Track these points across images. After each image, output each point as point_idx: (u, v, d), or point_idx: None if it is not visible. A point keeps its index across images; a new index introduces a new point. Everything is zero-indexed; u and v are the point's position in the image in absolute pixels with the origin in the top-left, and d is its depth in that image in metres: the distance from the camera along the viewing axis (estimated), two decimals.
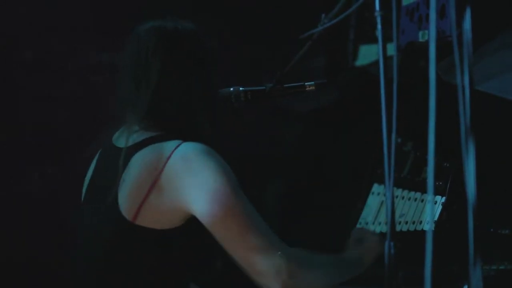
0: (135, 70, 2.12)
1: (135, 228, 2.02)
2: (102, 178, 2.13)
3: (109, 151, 2.16)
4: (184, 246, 2.06)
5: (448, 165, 2.22)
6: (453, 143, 1.68)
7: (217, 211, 1.97)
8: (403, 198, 2.32)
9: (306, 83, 2.34)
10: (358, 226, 2.46)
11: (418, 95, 1.76)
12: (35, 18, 3.83)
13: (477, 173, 1.50)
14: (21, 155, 3.85)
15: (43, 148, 3.87)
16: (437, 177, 2.23)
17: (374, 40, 3.71)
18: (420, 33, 2.71)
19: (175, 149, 2.03)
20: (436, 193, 2.24)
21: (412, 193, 2.32)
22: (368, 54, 3.84)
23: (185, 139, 2.06)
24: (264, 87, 2.34)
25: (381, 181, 2.49)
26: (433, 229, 2.14)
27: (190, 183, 1.99)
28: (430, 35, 1.56)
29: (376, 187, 2.51)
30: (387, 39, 1.69)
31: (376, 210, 2.49)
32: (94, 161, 2.26)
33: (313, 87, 2.33)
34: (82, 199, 2.25)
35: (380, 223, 2.27)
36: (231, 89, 2.32)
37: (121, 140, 2.14)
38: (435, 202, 2.24)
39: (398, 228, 2.31)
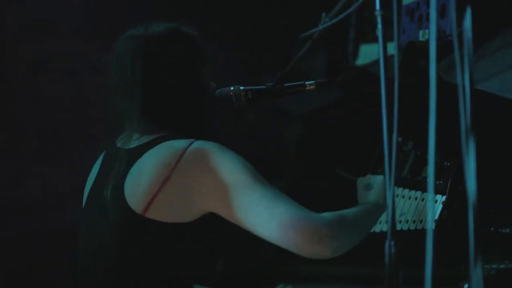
0: (121, 77, 2.15)
1: (146, 221, 2.03)
2: (108, 179, 2.14)
3: (114, 153, 2.18)
4: (195, 241, 2.06)
5: (448, 164, 2.22)
6: (453, 142, 1.68)
7: (240, 203, 1.97)
8: (403, 197, 2.32)
9: (306, 82, 2.34)
10: None
11: (419, 94, 1.76)
12: (35, 18, 3.83)
13: (478, 172, 1.50)
14: (21, 155, 3.86)
15: (43, 148, 3.87)
16: (437, 176, 2.22)
17: (374, 40, 3.71)
18: (421, 33, 2.71)
19: (189, 145, 2.05)
20: (437, 192, 2.23)
21: (413, 192, 2.31)
22: (368, 53, 3.85)
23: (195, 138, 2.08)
24: (264, 86, 2.34)
25: None
26: (434, 228, 2.14)
27: (208, 180, 2.00)
28: (430, 35, 1.57)
29: None
30: (387, 38, 1.69)
31: None
32: (98, 163, 2.27)
33: (314, 86, 2.33)
34: (85, 200, 2.25)
35: (380, 222, 2.27)
36: (232, 88, 2.32)
37: (127, 142, 2.16)
38: (436, 201, 2.24)
39: (398, 227, 2.31)
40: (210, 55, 2.24)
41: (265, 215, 1.94)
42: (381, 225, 2.30)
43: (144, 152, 2.10)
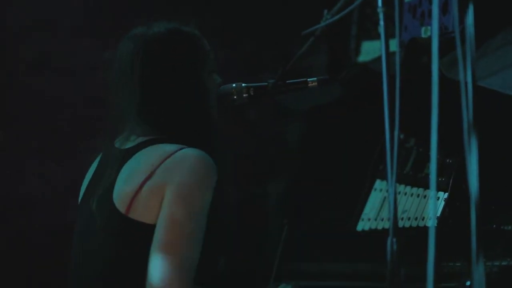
0: (121, 77, 2.16)
1: (129, 221, 2.04)
2: (101, 178, 2.14)
3: (110, 153, 2.18)
4: None
5: (450, 161, 2.22)
6: (455, 139, 1.68)
7: (173, 217, 1.99)
8: (405, 194, 2.32)
9: (308, 79, 2.33)
10: (360, 222, 2.46)
11: (421, 91, 1.76)
12: (35, 18, 3.83)
13: (480, 169, 1.50)
14: (21, 155, 3.86)
15: (43, 148, 3.87)
16: (439, 173, 2.22)
17: (376, 36, 3.71)
18: (423, 29, 2.71)
19: (176, 151, 2.05)
20: (439, 189, 2.23)
21: (415, 189, 2.31)
22: (370, 50, 3.84)
23: (190, 144, 2.08)
24: (266, 83, 2.33)
25: (383, 177, 2.49)
26: (436, 225, 2.14)
27: (172, 185, 2.01)
28: (432, 31, 1.56)
29: (378, 183, 2.51)
30: (389, 35, 1.69)
31: (379, 206, 2.49)
32: (95, 163, 2.27)
33: (316, 83, 2.32)
34: (80, 199, 2.26)
35: (382, 219, 2.28)
36: (234, 85, 2.32)
37: (124, 142, 2.17)
38: (438, 198, 2.23)
39: (400, 224, 2.31)
40: (211, 55, 2.23)
41: (164, 264, 1.97)
42: (383, 222, 2.30)
43: (136, 152, 2.10)
